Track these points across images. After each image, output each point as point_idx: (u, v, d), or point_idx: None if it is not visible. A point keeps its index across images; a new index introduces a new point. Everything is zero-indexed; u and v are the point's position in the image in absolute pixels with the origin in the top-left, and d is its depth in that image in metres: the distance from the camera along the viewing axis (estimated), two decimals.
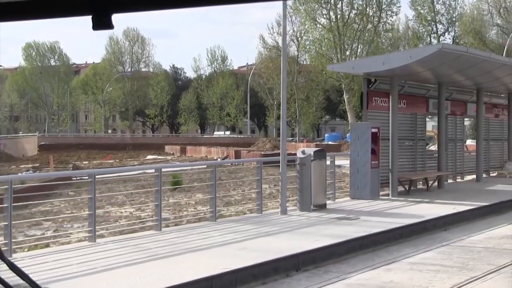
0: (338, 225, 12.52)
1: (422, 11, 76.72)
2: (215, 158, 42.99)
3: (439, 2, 76.68)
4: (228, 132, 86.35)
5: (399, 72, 16.85)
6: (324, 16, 77.78)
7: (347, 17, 78.28)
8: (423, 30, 76.09)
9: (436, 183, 19.58)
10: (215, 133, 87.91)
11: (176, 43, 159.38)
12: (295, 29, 78.96)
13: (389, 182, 17.42)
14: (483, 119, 23.72)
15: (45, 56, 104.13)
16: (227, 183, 23.39)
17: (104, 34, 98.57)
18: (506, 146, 25.37)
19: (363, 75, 17.77)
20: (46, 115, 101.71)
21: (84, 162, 46.72)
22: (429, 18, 76.49)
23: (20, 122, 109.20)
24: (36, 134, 61.67)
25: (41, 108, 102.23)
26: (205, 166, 20.53)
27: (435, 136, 29.17)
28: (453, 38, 76.78)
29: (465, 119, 24.87)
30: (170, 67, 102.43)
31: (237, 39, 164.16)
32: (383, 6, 76.98)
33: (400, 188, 18.01)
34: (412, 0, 76.79)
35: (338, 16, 76.93)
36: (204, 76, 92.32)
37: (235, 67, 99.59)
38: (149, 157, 50.65)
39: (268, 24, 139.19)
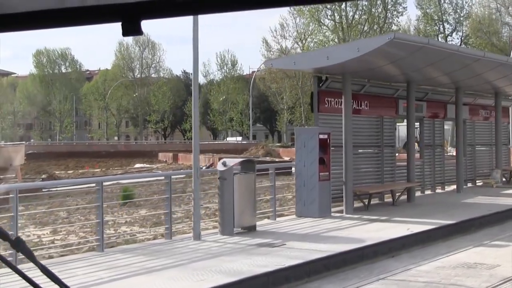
0: (250, 255, 10.19)
1: (428, 10, 74.05)
2: (201, 166, 40.88)
3: (446, 1, 74.03)
4: (239, 138, 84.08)
5: (351, 68, 14.53)
6: (329, 17, 75.61)
7: (352, 18, 76.20)
8: (430, 30, 73.34)
9: (406, 196, 17.19)
10: (227, 139, 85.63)
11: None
12: (299, 30, 76.83)
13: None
14: (466, 122, 21.29)
15: (56, 63, 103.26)
16: (188, 196, 21.12)
17: (119, 40, 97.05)
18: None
19: (313, 72, 15.48)
20: (57, 122, 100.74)
21: (69, 172, 44.94)
22: (436, 17, 73.81)
23: (33, 129, 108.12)
24: (24, 142, 59.75)
25: (52, 116, 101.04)
26: (163, 177, 18.26)
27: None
28: (461, 38, 74.08)
29: (448, 122, 22.42)
30: (182, 72, 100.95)
31: (251, 43, 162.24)
32: (389, 6, 74.64)
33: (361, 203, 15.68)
34: None
35: (343, 17, 74.81)
36: (215, 81, 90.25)
37: (248, 72, 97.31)
38: (137, 165, 48.66)
39: (271, 27, 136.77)
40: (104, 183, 12.10)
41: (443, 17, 73.59)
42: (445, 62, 15.66)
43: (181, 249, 10.79)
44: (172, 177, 12.55)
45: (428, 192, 19.40)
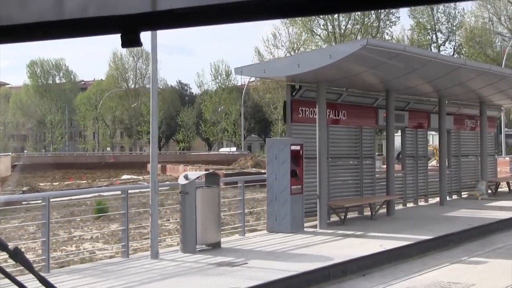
0: (206, 276, 9.51)
1: (421, 20, 73.60)
2: None
3: (439, 11, 73.64)
4: (234, 149, 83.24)
5: (325, 75, 13.91)
6: (322, 26, 75.15)
7: (344, 27, 75.76)
8: (423, 39, 72.86)
9: (386, 209, 16.53)
10: (221, 149, 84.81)
11: (193, 60, 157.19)
12: (292, 40, 76.25)
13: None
14: (451, 132, 20.68)
15: (50, 74, 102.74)
16: (165, 209, 20.45)
17: (113, 50, 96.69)
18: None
19: (285, 81, 14.87)
20: (48, 133, 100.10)
21: (54, 184, 44.21)
22: (428, 27, 73.37)
23: (27, 141, 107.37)
24: (10, 154, 58.93)
25: (46, 127, 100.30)
26: (119, 192, 17.52)
27: (435, 152, 26.14)
28: (454, 48, 73.64)
29: (431, 132, 21.80)
30: (177, 82, 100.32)
31: (247, 53, 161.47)
32: (382, 16, 74.24)
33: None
34: (411, 8, 73.71)
35: (336, 26, 74.35)
36: (210, 92, 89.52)
37: (242, 82, 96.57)
38: (124, 177, 47.90)
39: (263, 37, 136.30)
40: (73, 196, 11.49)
41: (436, 26, 73.14)
42: (425, 70, 15.05)
43: (134, 269, 10.10)
44: (131, 191, 11.85)
45: (410, 205, 18.75)
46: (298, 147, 13.80)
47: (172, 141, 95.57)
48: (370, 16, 74.44)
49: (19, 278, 1.79)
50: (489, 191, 21.42)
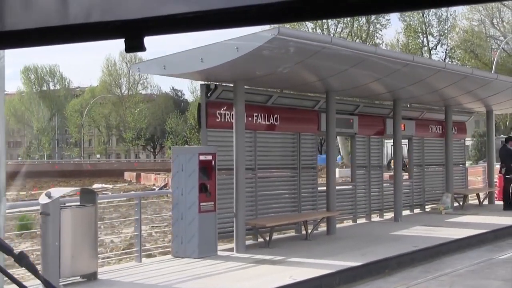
0: None
1: (412, 23, 71.59)
2: (155, 187, 38.37)
3: (430, 13, 71.57)
4: None
5: (242, 73, 11.90)
6: (311, 30, 73.22)
7: (334, 31, 73.96)
8: (413, 43, 70.84)
9: (326, 228, 14.48)
10: None
11: None
12: None
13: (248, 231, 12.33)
14: (412, 139, 18.63)
15: (44, 80, 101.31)
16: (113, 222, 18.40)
17: (106, 56, 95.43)
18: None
19: (197, 79, 12.89)
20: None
21: (21, 193, 42.43)
22: (419, 29, 71.37)
23: (21, 147, 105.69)
24: None
25: (40, 133, 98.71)
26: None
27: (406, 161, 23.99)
28: (445, 52, 71.63)
29: (386, 140, 19.74)
30: (171, 89, 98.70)
31: None
32: (372, 19, 72.25)
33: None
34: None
35: (325, 30, 72.44)
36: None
37: None
38: (95, 185, 45.97)
39: None
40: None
41: (427, 29, 71.12)
42: (367, 67, 13.04)
43: None
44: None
45: (362, 221, 16.69)
46: (209, 157, 11.76)
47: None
48: (360, 19, 72.58)
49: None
50: (456, 204, 19.36)
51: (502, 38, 62.51)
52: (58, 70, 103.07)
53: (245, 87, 13.15)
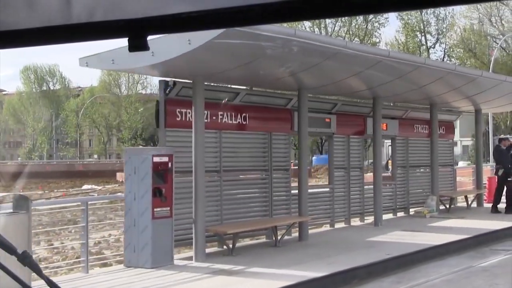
0: None
1: (409, 22, 70.63)
2: None
3: (428, 12, 70.63)
4: None
5: (198, 68, 11.06)
6: (309, 29, 72.36)
7: (332, 30, 73.18)
8: (411, 42, 69.89)
9: (299, 233, 13.63)
10: None
11: None
12: None
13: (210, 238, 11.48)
14: (396, 139, 17.79)
15: (44, 80, 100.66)
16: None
17: None
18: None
19: (158, 75, 12.07)
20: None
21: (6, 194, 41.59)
22: (417, 28, 70.42)
23: (21, 147, 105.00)
24: None
25: (40, 133, 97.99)
26: None
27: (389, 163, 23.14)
28: (444, 51, 70.67)
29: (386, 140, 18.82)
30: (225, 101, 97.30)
31: None
32: (370, 17, 71.38)
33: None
34: None
35: (322, 29, 71.61)
36: None
37: None
38: (84, 187, 45.23)
39: None
40: None
41: (425, 28, 70.18)
42: (340, 62, 12.22)
43: None
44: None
45: (340, 225, 15.84)
46: (165, 159, 10.92)
47: None
48: (357, 18, 71.74)
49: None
50: (442, 207, 18.50)
51: (501, 36, 61.59)
52: (58, 69, 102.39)
53: (210, 84, 12.36)
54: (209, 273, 10.30)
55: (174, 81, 11.58)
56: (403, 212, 18.02)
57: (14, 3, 1.20)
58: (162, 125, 11.56)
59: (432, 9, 70.09)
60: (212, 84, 12.67)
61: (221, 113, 12.59)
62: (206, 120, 12.14)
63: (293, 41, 10.44)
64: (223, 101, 12.58)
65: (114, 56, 10.32)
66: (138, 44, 1.17)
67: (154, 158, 10.73)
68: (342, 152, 15.91)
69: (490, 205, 19.01)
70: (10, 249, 1.79)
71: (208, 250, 12.39)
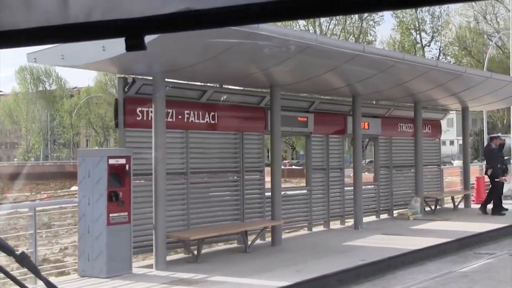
0: None
1: (404, 19, 69.97)
2: None
3: (423, 9, 69.96)
4: None
5: (158, 64, 10.38)
6: (303, 27, 71.75)
7: (326, 28, 72.59)
8: (406, 40, 69.23)
9: (271, 238, 12.95)
10: None
11: None
12: None
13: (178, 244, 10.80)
14: (378, 138, 17.13)
15: (40, 80, 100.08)
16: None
17: None
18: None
19: (117, 72, 11.42)
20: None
21: None
22: (412, 26, 69.74)
23: (17, 148, 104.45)
24: None
25: (34, 134, 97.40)
26: None
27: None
28: (439, 49, 70.00)
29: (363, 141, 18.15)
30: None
31: None
32: (365, 16, 70.73)
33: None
34: None
35: (317, 27, 71.00)
36: None
37: None
38: (73, 188, 44.55)
39: None
40: None
41: (420, 26, 69.52)
42: (311, 58, 11.55)
43: None
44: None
45: (319, 229, 15.17)
46: (122, 161, 10.24)
47: None
48: (352, 17, 71.17)
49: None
50: (428, 208, 17.83)
51: (496, 34, 60.94)
52: (54, 70, 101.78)
53: (173, 80, 11.69)
54: (166, 283, 9.62)
55: (133, 78, 10.91)
56: (386, 214, 17.35)
57: (12, 3, 1.20)
58: (121, 125, 10.88)
59: (427, 7, 69.49)
60: (178, 81, 12.00)
61: (188, 111, 11.92)
62: (171, 120, 11.52)
63: (257, 35, 9.77)
64: (221, 99, 12.17)
65: (64, 52, 9.64)
66: (135, 44, 1.17)
67: (109, 160, 10.04)
68: (321, 152, 15.24)
69: (478, 206, 18.37)
70: (9, 251, 1.82)
71: (173, 257, 11.77)
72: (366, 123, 16.23)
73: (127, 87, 10.84)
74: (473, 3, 61.51)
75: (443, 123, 21.06)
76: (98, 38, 1.21)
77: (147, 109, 11.07)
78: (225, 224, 12.40)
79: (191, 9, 1.08)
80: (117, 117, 10.92)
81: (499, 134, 19.71)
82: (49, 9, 1.18)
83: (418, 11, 69.70)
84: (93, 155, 10.37)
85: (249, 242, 12.16)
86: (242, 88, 13.77)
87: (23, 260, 1.87)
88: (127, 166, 10.28)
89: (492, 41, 58.39)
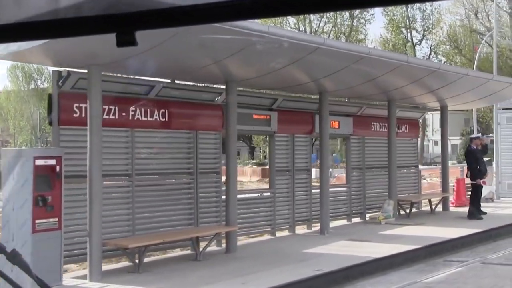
0: None
1: (394, 17, 69.07)
2: None
3: (414, 7, 69.19)
4: None
5: (94, 55, 9.47)
6: (293, 25, 70.85)
7: (316, 27, 71.71)
8: (396, 38, 68.35)
9: (226, 245, 12.04)
10: None
11: None
12: None
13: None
14: (350, 138, 16.25)
15: (32, 78, 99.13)
16: None
17: None
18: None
19: (51, 64, 10.51)
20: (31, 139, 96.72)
21: None
22: (402, 24, 68.86)
23: (6, 146, 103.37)
24: None
25: (22, 132, 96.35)
26: None
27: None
28: (430, 47, 69.12)
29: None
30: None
31: None
32: (355, 13, 69.82)
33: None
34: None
35: (307, 25, 70.12)
36: None
37: None
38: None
39: None
40: None
41: (411, 24, 68.66)
42: (266, 51, 10.64)
43: None
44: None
45: (284, 234, 14.28)
46: (52, 162, 9.32)
47: None
48: (343, 14, 70.22)
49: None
50: (402, 212, 16.95)
51: (487, 32, 60.14)
52: (46, 67, 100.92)
53: (116, 75, 10.78)
54: None
55: (68, 71, 9.99)
56: (359, 218, 16.47)
57: None
58: (55, 122, 9.97)
59: (418, 5, 68.72)
60: (122, 76, 11.10)
61: (133, 108, 11.01)
62: (113, 117, 10.63)
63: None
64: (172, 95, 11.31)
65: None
66: (126, 40, 1.15)
67: (36, 160, 9.12)
68: (286, 152, 14.34)
69: (457, 209, 17.52)
70: None
71: (114, 266, 10.85)
72: (337, 122, 15.36)
73: (61, 81, 9.92)
74: (464, 0, 60.83)
75: (436, 122, 20.21)
76: (89, 33, 1.18)
77: (85, 105, 10.14)
78: (174, 230, 11.49)
79: (182, 5, 1.06)
80: (51, 114, 10.00)
81: (479, 135, 18.79)
82: (39, 4, 1.17)
83: (409, 9, 68.89)
84: (17, 156, 9.43)
85: (201, 249, 11.25)
86: (195, 84, 12.84)
87: (14, 257, 1.84)
88: (57, 168, 9.35)
89: (483, 39, 57.57)
